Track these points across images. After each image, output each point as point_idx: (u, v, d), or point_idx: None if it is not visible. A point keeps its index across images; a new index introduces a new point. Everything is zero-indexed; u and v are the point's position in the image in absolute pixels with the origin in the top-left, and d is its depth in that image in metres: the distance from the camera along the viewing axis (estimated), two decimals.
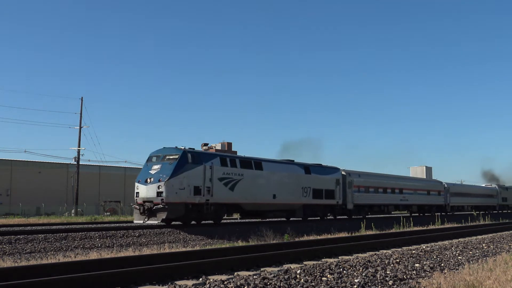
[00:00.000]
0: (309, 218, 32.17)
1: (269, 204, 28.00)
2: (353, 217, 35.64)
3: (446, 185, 49.76)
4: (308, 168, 31.66)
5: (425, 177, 56.45)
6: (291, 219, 31.43)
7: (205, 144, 76.13)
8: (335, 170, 34.85)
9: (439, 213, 46.05)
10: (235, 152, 72.67)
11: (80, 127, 51.28)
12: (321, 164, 34.01)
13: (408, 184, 43.57)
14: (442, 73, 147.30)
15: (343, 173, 35.31)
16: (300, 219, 31.68)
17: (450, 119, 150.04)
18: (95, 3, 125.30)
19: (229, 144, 74.11)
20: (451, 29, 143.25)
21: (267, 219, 30.01)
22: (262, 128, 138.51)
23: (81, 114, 51.64)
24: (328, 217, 34.45)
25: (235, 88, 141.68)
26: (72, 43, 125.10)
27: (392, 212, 44.46)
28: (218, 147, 72.32)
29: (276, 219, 30.72)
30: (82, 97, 53.28)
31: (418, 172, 58.07)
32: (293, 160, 31.79)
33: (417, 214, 45.40)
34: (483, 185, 65.32)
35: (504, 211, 64.21)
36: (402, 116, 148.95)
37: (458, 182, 61.71)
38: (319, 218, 32.83)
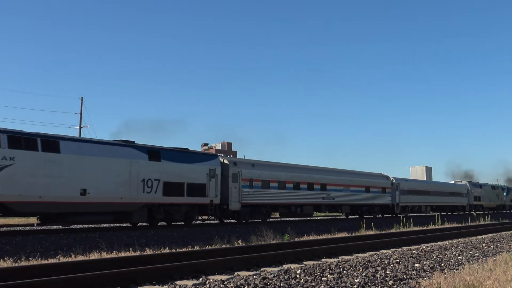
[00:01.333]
0: (161, 224, 24.59)
1: (73, 204, 19.53)
2: (243, 221, 27.58)
3: (394, 181, 41.12)
4: (155, 153, 22.97)
5: (376, 173, 43.03)
6: (155, 224, 23.91)
7: (205, 144, 76.12)
8: (209, 157, 26.74)
9: (383, 215, 40.58)
10: (235, 152, 72.55)
11: (80, 127, 51.27)
12: (187, 149, 25.74)
13: (334, 179, 34.02)
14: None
15: (224, 161, 27.10)
16: (160, 224, 24.63)
17: (451, 118, 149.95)
18: (95, 3, 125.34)
19: (229, 144, 74.05)
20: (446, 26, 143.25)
21: (75, 226, 22.63)
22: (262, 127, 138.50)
23: (81, 114, 51.64)
24: (198, 221, 27.48)
25: (235, 87, 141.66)
26: (72, 43, 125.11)
27: (316, 214, 38.60)
28: (218, 147, 72.25)
29: (257, 220, 30.67)
30: (82, 97, 53.28)
31: (418, 172, 57.53)
32: (134, 142, 22.94)
33: (354, 216, 37.88)
34: (452, 182, 56.31)
35: (476, 212, 53.79)
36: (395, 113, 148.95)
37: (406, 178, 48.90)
38: (182, 223, 25.08)
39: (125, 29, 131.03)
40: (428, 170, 57.64)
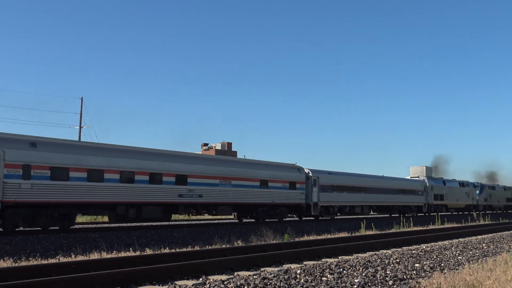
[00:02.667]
0: (161, 224, 24.85)
1: None
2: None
3: (310, 174, 31.61)
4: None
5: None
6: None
7: (205, 144, 76.13)
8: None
9: (301, 219, 32.55)
10: (235, 152, 72.64)
11: (80, 127, 51.25)
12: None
13: (202, 169, 24.73)
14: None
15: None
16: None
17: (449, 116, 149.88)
18: (94, 3, 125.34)
19: (229, 144, 74.07)
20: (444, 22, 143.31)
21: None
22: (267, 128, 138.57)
23: (81, 114, 51.62)
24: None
25: (234, 87, 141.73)
26: (72, 43, 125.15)
27: (178, 218, 30.95)
28: (218, 147, 72.27)
29: (274, 219, 30.64)
30: (82, 97, 53.29)
31: (418, 172, 56.97)
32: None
33: (250, 220, 29.55)
34: (407, 178, 47.96)
35: (441, 213, 45.93)
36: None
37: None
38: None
39: (125, 29, 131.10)
40: (428, 170, 57.03)
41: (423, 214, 45.56)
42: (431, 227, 31.79)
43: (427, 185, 46.50)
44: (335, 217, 34.47)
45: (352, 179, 36.23)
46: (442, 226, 32.90)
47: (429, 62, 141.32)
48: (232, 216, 31.28)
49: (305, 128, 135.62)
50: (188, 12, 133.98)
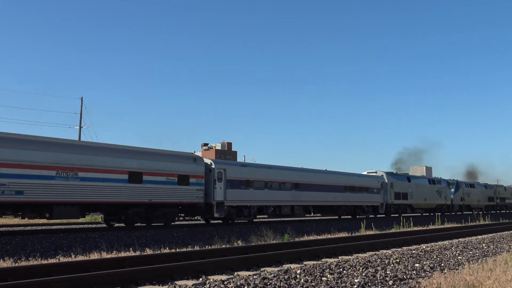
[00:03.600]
0: (161, 224, 23.51)
1: None
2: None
3: (213, 166, 25.48)
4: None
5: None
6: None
7: (205, 144, 76.07)
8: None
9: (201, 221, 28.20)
10: (235, 153, 72.62)
11: (80, 127, 51.25)
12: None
13: (13, 155, 17.88)
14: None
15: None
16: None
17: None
18: (94, 3, 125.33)
19: (229, 144, 74.04)
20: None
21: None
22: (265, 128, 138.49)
23: (81, 114, 51.62)
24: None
25: (234, 85, 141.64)
26: (71, 43, 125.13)
27: None
28: (218, 147, 72.21)
29: (276, 219, 30.65)
30: (82, 97, 53.32)
31: (418, 172, 56.67)
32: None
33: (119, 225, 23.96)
34: (362, 173, 40.74)
35: (405, 214, 40.40)
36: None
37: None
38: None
39: (123, 29, 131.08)
40: (428, 170, 56.71)
41: (380, 215, 39.69)
42: (431, 227, 31.80)
43: (386, 181, 39.55)
44: (255, 220, 29.06)
45: (277, 173, 29.13)
46: (442, 226, 32.91)
47: (418, 62, 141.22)
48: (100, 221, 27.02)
49: (306, 127, 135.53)
50: (188, 12, 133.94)
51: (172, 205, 23.32)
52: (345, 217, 37.00)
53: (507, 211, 63.52)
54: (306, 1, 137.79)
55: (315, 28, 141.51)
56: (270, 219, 33.61)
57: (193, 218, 26.98)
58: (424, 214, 46.27)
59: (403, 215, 39.59)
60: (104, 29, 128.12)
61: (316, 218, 37.04)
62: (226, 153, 69.08)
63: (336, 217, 36.22)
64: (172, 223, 24.08)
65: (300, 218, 34.00)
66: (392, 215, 40.41)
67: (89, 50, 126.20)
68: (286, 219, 33.61)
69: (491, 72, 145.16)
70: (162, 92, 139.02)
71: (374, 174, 40.57)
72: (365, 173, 41.02)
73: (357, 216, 36.01)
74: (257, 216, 30.27)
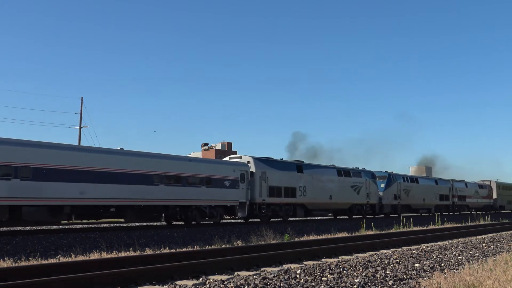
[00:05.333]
0: (162, 224, 24.59)
1: None
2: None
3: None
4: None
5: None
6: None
7: (205, 144, 76.02)
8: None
9: None
10: (235, 152, 72.74)
11: (80, 127, 51.24)
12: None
13: None
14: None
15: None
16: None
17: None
18: (95, 3, 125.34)
19: (229, 144, 74.10)
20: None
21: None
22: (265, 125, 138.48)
23: (81, 114, 51.59)
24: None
25: (234, 85, 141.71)
26: (72, 43, 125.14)
27: None
28: (218, 147, 72.22)
29: (276, 219, 30.62)
30: (82, 97, 53.26)
31: (417, 172, 56.28)
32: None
33: None
34: (226, 159, 29.83)
35: (294, 218, 31.50)
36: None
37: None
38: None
39: (124, 28, 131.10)
40: (428, 170, 56.36)
41: (240, 219, 29.53)
42: (431, 227, 31.82)
43: (252, 170, 27.33)
44: (255, 220, 27.33)
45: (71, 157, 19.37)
46: (442, 226, 32.94)
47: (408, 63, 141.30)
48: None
49: (306, 126, 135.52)
50: (188, 11, 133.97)
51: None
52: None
53: (469, 213, 51.12)
54: (306, 1, 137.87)
55: (315, 28, 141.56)
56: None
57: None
58: (326, 217, 35.43)
59: (290, 219, 30.70)
60: (104, 28, 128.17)
61: (316, 218, 34.82)
62: (226, 153, 69.19)
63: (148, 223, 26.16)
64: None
65: (300, 218, 33.26)
66: (270, 220, 29.42)
67: (89, 50, 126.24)
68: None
69: (490, 72, 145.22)
70: (162, 92, 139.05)
71: (236, 160, 28.12)
72: (226, 159, 29.42)
73: (193, 222, 24.64)
74: None
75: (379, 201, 38.66)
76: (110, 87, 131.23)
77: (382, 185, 39.49)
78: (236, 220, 30.49)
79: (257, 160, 28.38)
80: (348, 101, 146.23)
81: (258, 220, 28.94)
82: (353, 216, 36.30)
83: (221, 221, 26.96)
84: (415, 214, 43.74)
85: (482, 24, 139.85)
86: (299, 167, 31.13)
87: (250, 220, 29.51)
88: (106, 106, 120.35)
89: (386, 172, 40.79)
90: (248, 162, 27.85)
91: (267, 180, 28.05)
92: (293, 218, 31.89)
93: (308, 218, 33.65)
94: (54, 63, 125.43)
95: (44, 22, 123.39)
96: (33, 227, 23.63)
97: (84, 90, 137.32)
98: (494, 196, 60.62)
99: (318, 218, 35.29)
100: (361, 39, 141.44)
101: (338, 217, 36.62)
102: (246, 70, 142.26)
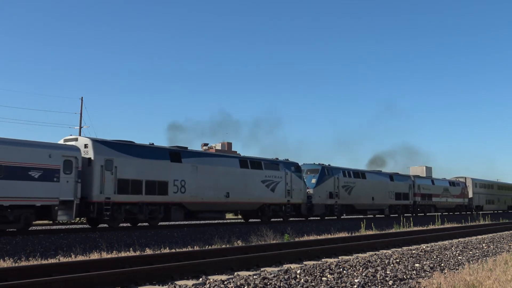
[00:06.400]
0: (161, 224, 24.70)
1: None
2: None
3: None
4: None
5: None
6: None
7: (205, 144, 76.13)
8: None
9: None
10: (235, 152, 72.72)
11: (80, 127, 51.24)
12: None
13: None
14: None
15: None
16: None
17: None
18: (95, 3, 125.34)
19: (229, 144, 74.08)
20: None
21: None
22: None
23: (81, 114, 51.60)
24: None
25: (234, 83, 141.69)
26: (71, 43, 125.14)
27: None
28: (218, 147, 72.28)
29: (275, 219, 30.64)
30: (82, 97, 53.26)
31: (417, 172, 56.08)
32: None
33: None
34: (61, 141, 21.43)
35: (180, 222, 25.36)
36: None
37: None
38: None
39: (124, 28, 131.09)
40: (428, 170, 56.14)
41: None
42: (431, 227, 31.87)
43: (91, 157, 20.39)
44: (255, 220, 26.81)
45: None
46: (442, 226, 32.98)
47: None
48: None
49: (305, 127, 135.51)
50: (188, 11, 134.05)
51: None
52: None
53: (435, 214, 43.84)
54: (306, 1, 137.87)
55: (315, 28, 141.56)
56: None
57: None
58: (213, 221, 28.25)
59: (216, 221, 27.36)
60: (104, 29, 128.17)
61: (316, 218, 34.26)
62: (226, 153, 69.03)
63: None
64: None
65: (301, 218, 32.89)
66: (271, 220, 28.30)
67: (89, 50, 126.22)
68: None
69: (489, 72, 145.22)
70: (162, 92, 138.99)
71: (63, 143, 20.89)
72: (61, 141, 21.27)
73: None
74: None
75: (307, 200, 31.17)
76: (111, 87, 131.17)
77: (313, 181, 32.32)
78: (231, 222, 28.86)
79: (98, 143, 20.97)
80: (348, 102, 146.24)
81: (259, 220, 28.39)
82: (273, 219, 29.44)
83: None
84: (361, 216, 37.10)
85: (479, 24, 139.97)
86: (174, 154, 23.76)
87: (250, 220, 29.44)
88: (106, 106, 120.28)
89: (319, 164, 33.72)
90: (86, 145, 20.53)
91: (116, 171, 20.85)
92: (168, 223, 25.83)
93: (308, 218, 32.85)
94: (54, 63, 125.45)
95: (44, 22, 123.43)
96: (33, 227, 23.65)
97: (84, 90, 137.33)
98: (470, 195, 53.74)
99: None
100: (360, 39, 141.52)
101: (250, 220, 29.63)
102: (246, 70, 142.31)
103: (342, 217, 35.62)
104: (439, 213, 45.16)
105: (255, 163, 27.99)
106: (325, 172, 33.41)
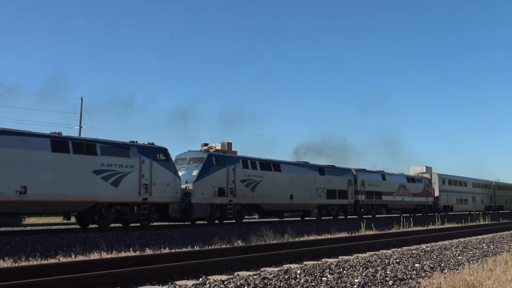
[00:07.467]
0: (162, 224, 24.48)
1: None
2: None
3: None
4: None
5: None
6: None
7: (205, 144, 76.31)
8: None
9: None
10: (235, 152, 72.80)
11: (80, 127, 51.26)
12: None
13: None
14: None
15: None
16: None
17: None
18: (95, 2, 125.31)
19: (229, 144, 74.11)
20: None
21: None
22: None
23: (81, 114, 51.60)
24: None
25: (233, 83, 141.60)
26: (71, 43, 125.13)
27: None
28: (218, 147, 72.34)
29: (275, 219, 30.67)
30: (82, 97, 53.21)
31: (418, 172, 56.04)
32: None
33: None
34: None
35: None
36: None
37: None
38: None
39: (124, 28, 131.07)
40: (428, 170, 56.14)
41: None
42: (431, 227, 31.90)
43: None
44: (255, 220, 24.84)
45: None
46: (442, 226, 33.01)
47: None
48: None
49: (305, 126, 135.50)
50: (188, 11, 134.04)
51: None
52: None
53: (386, 216, 38.70)
54: (306, 1, 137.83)
55: (315, 28, 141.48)
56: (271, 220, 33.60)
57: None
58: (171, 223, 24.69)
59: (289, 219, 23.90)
60: (104, 28, 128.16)
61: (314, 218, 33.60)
62: (226, 154, 69.14)
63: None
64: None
65: (171, 223, 25.34)
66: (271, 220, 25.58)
67: (89, 50, 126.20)
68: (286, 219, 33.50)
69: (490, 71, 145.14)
70: (162, 92, 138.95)
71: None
72: None
73: None
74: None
75: (185, 199, 23.44)
76: (111, 87, 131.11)
77: (195, 173, 24.11)
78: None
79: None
80: (348, 101, 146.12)
81: (258, 220, 28.36)
82: (132, 225, 22.34)
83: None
84: (274, 219, 30.14)
85: (475, 21, 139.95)
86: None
87: (249, 220, 29.08)
88: (106, 106, 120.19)
89: (205, 152, 26.01)
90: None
91: None
92: (168, 223, 24.35)
93: (308, 218, 33.11)
94: (54, 63, 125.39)
95: (44, 22, 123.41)
96: (33, 227, 23.65)
97: (84, 90, 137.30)
98: (436, 193, 46.39)
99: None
100: (361, 39, 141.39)
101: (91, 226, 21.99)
102: (246, 70, 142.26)
103: (244, 220, 28.35)
104: (393, 215, 39.27)
105: (83, 146, 19.47)
106: (211, 161, 25.00)
